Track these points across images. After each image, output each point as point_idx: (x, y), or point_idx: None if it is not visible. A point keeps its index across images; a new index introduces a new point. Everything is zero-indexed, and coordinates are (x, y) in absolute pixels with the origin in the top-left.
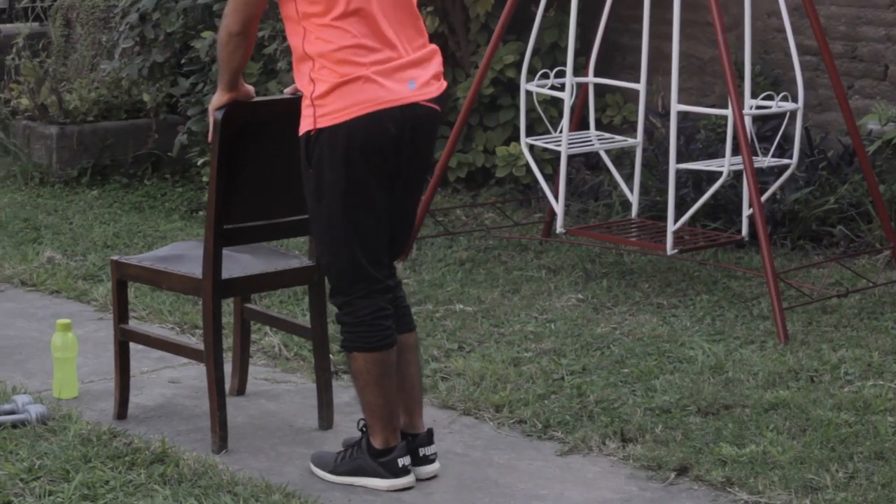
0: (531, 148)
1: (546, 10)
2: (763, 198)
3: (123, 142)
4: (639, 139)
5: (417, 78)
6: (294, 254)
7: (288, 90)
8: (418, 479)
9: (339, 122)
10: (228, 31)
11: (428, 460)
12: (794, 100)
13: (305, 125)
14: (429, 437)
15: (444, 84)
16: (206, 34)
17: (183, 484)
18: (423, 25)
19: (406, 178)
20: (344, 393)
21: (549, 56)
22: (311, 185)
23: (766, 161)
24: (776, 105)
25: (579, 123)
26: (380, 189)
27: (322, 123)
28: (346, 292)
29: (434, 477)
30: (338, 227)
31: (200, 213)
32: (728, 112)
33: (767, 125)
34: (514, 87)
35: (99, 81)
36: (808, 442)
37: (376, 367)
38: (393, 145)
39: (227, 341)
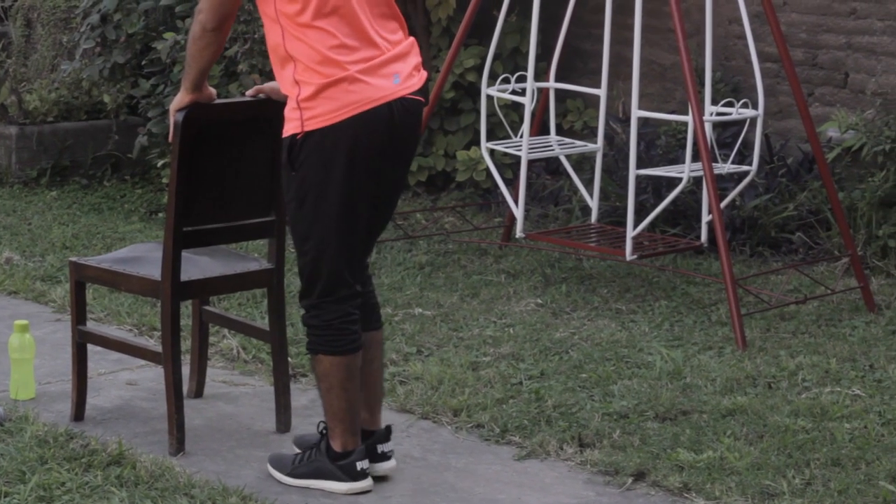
0: (492, 152)
1: (508, 14)
2: (722, 204)
3: (83, 143)
4: (599, 144)
5: (401, 72)
6: (253, 256)
7: (249, 92)
8: (375, 476)
9: (329, 125)
10: (203, 26)
11: (385, 457)
12: (755, 107)
13: (291, 128)
14: (387, 434)
15: (424, 74)
16: (168, 35)
17: (140, 486)
18: (401, 17)
19: (393, 172)
20: (302, 396)
21: (511, 61)
22: (294, 189)
23: (725, 167)
24: (736, 112)
25: (540, 128)
26: (366, 192)
27: (310, 126)
28: (318, 295)
29: (389, 478)
30: (319, 231)
31: (160, 214)
32: (688, 118)
33: (727, 132)
34: (475, 92)
35: (59, 82)
36: (765, 448)
37: (341, 371)
38: (381, 144)
39: (186, 343)
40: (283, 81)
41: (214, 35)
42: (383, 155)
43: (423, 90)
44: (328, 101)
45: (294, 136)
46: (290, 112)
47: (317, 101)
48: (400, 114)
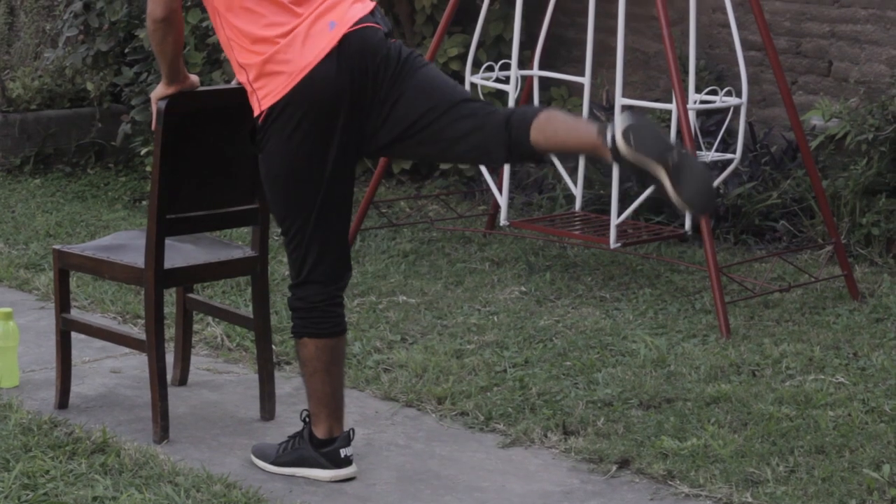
0: None
1: (491, 2)
2: None
3: (67, 130)
4: None
5: (335, 18)
6: (237, 244)
7: (234, 81)
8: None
9: (277, 99)
10: (153, 17)
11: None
12: (738, 95)
13: (254, 111)
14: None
15: (370, 4)
16: None
17: (124, 474)
18: None
19: (385, 101)
20: (286, 384)
21: (494, 49)
22: (264, 171)
23: (709, 155)
24: (720, 100)
25: None
26: (335, 158)
27: (265, 104)
28: (302, 276)
29: (373, 465)
30: (295, 209)
31: (143, 202)
32: (672, 106)
33: (711, 120)
34: (459, 80)
35: (42, 70)
36: (750, 436)
37: (326, 354)
38: (343, 94)
39: (170, 331)
40: (234, 68)
41: (166, 24)
42: (352, 107)
43: (373, 16)
44: (272, 76)
45: (256, 118)
46: (250, 97)
47: (263, 80)
48: (350, 51)
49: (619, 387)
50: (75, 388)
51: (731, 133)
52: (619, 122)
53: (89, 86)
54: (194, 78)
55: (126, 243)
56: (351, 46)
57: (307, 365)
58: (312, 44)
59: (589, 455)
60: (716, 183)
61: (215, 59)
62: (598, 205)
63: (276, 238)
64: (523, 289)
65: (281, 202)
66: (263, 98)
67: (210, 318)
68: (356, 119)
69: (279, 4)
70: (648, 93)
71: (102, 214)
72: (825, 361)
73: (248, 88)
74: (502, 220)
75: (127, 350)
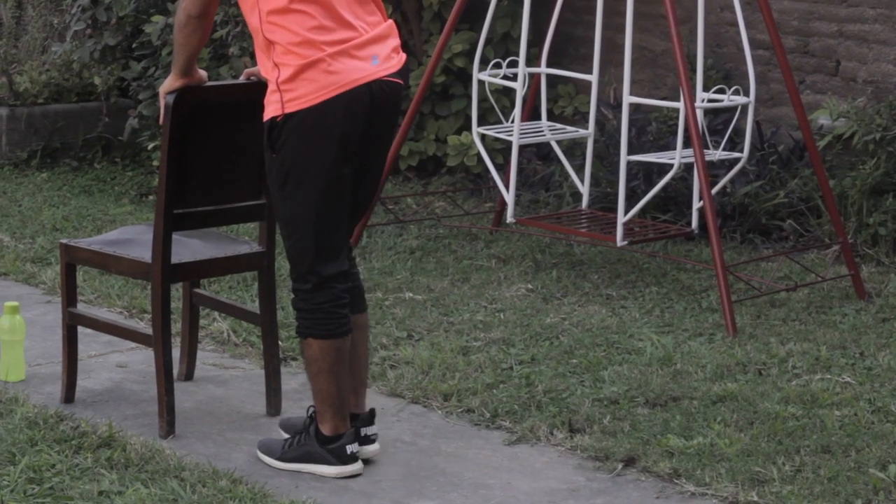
0: (483, 137)
1: None
2: (713, 191)
3: (74, 125)
4: (590, 130)
5: (379, 54)
6: (244, 240)
7: (242, 76)
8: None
9: (308, 106)
10: (187, 13)
11: (369, 440)
12: (746, 94)
13: (272, 111)
14: (370, 418)
15: (403, 57)
16: (157, 18)
17: (130, 468)
18: (380, 1)
19: (372, 153)
20: (292, 379)
21: (502, 46)
22: (275, 172)
23: (716, 154)
24: (728, 98)
25: (531, 114)
26: (346, 172)
27: (290, 108)
28: (306, 279)
29: (377, 462)
30: (301, 213)
31: (150, 197)
32: (680, 105)
33: (719, 118)
34: (466, 77)
35: (50, 64)
36: (756, 435)
37: (330, 355)
38: (361, 125)
39: (176, 326)
40: (264, 66)
41: (199, 21)
42: (363, 136)
43: (402, 72)
44: (307, 82)
45: (274, 118)
46: (270, 95)
47: (296, 83)
48: (379, 95)
49: (626, 385)
50: (81, 383)
51: (739, 132)
52: (370, 452)
53: (96, 80)
54: (202, 73)
55: (133, 238)
56: (381, 91)
57: (312, 365)
58: (355, 67)
59: (595, 453)
60: (723, 182)
61: (221, 55)
62: (604, 202)
63: None
64: (530, 286)
65: (288, 205)
66: (289, 101)
67: (216, 314)
68: (363, 146)
69: (328, 7)
70: (656, 91)
71: (109, 209)
72: (831, 361)
73: (273, 87)
74: (509, 217)
75: (133, 345)
